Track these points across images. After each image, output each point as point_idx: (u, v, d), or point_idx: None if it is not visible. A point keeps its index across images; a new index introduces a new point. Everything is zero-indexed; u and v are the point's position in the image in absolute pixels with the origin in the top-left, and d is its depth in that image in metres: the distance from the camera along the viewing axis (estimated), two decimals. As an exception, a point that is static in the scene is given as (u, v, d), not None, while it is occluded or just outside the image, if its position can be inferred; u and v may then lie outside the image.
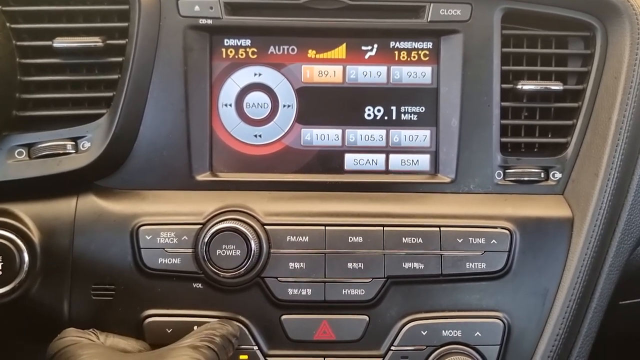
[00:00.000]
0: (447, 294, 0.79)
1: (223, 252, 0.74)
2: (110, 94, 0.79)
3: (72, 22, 0.79)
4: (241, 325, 0.77)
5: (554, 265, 0.79)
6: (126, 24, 0.78)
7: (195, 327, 0.76)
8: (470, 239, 0.77)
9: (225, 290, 0.77)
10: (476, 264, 0.77)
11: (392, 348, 0.78)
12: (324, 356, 0.78)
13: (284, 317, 0.78)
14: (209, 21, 0.79)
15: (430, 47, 0.82)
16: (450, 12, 0.80)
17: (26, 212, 0.77)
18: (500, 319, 0.78)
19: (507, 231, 0.78)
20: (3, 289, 0.73)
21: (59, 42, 0.78)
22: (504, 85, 0.82)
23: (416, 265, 0.77)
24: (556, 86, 0.82)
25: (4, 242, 0.74)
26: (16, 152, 0.78)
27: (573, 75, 0.84)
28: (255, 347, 0.77)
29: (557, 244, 0.79)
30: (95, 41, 0.78)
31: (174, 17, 0.79)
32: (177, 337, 0.74)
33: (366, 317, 0.78)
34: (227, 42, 0.82)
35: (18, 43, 0.78)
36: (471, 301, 0.79)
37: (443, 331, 0.78)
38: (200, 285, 0.77)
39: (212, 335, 0.70)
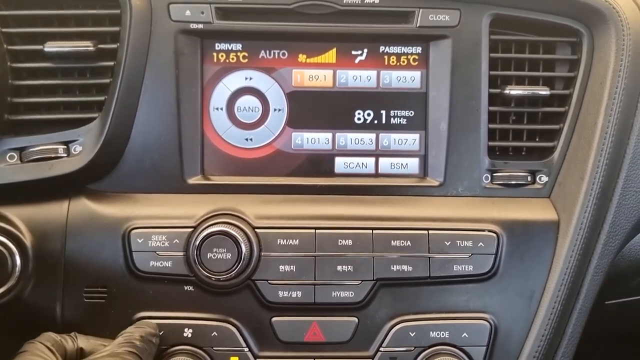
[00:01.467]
0: (435, 296, 0.79)
1: (214, 256, 0.75)
2: (102, 98, 0.79)
3: (64, 26, 0.80)
4: (232, 328, 0.77)
5: (540, 267, 0.80)
6: (117, 29, 0.78)
7: (186, 329, 0.76)
8: (458, 242, 0.78)
9: (217, 293, 0.77)
10: (463, 266, 0.78)
11: (381, 349, 0.79)
12: (314, 357, 0.79)
13: (274, 319, 0.78)
14: (200, 26, 0.80)
15: (420, 52, 0.83)
16: (439, 17, 0.81)
17: (18, 216, 0.77)
18: (487, 320, 0.79)
19: (494, 234, 0.79)
20: None
21: (50, 47, 0.78)
22: (492, 90, 0.82)
23: (405, 267, 0.78)
24: (543, 91, 0.82)
25: None
26: (8, 155, 0.78)
27: (560, 80, 0.85)
28: (246, 349, 0.78)
29: (543, 247, 0.80)
30: (86, 45, 0.78)
31: (165, 21, 0.79)
32: (169, 339, 0.75)
33: (355, 319, 0.79)
34: (218, 46, 0.82)
35: (9, 47, 0.78)
36: (458, 303, 0.79)
37: (431, 332, 0.79)
38: (191, 288, 0.77)
39: (132, 340, 0.70)
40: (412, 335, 0.79)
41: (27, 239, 0.76)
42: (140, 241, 0.76)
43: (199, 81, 0.82)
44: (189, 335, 0.77)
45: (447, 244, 0.78)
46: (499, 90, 0.83)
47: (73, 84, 0.80)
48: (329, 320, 0.79)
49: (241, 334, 0.78)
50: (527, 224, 0.80)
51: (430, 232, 0.78)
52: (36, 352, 0.68)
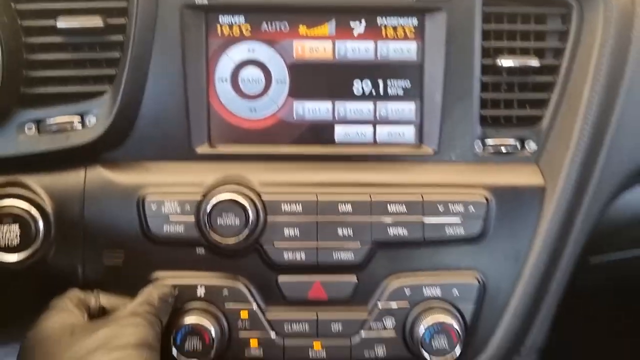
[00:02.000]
0: (428, 257, 0.84)
1: (223, 221, 0.79)
2: (112, 72, 0.82)
3: (73, 1, 0.81)
4: (242, 286, 0.82)
5: (526, 229, 0.84)
6: (125, 4, 0.81)
7: (199, 287, 0.81)
8: (450, 206, 0.82)
9: (226, 255, 0.81)
10: (455, 229, 0.82)
11: (378, 305, 0.83)
12: (317, 312, 0.83)
13: (280, 278, 0.83)
14: (205, 0, 0.82)
15: (416, 25, 0.85)
16: None
17: (39, 184, 0.81)
18: (476, 279, 0.84)
19: (484, 199, 0.83)
20: (21, 255, 0.78)
21: (62, 22, 0.80)
22: (484, 61, 0.84)
23: (400, 231, 0.82)
24: (533, 61, 0.85)
25: (20, 212, 0.78)
26: (26, 127, 0.81)
27: (550, 51, 0.87)
28: (255, 305, 0.82)
29: (529, 210, 0.84)
30: (96, 21, 0.80)
31: None
32: (183, 297, 0.81)
33: (355, 278, 0.83)
34: (222, 19, 0.84)
35: (23, 23, 0.80)
36: (450, 263, 0.84)
37: (424, 289, 0.83)
38: (202, 250, 0.81)
39: (150, 299, 0.74)
40: (406, 292, 0.83)
41: (48, 206, 0.80)
42: (153, 207, 0.80)
43: (204, 53, 0.84)
44: (202, 294, 0.81)
45: (440, 208, 0.82)
46: (491, 61, 0.85)
47: (84, 58, 0.82)
48: (330, 279, 0.83)
49: (250, 292, 0.82)
50: (515, 189, 0.84)
51: (425, 197, 0.82)
52: (63, 307, 0.74)
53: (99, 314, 0.77)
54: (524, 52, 0.86)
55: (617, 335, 1.48)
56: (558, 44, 0.87)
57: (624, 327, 1.47)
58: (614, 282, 1.20)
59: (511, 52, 0.86)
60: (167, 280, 0.81)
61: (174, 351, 0.79)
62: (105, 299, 0.78)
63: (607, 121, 0.84)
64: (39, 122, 0.82)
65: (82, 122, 0.82)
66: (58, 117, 0.82)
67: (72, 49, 0.82)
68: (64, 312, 0.73)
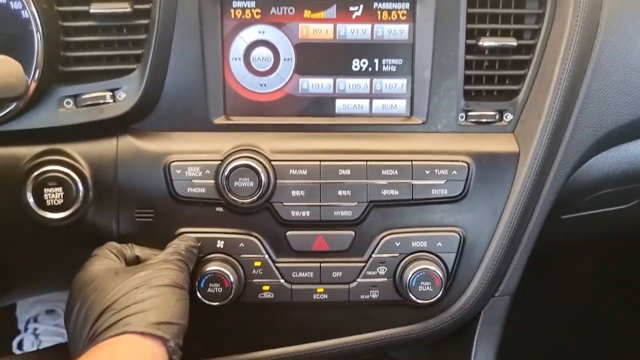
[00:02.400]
0: (416, 214, 0.91)
1: (239, 184, 0.87)
2: (139, 51, 0.89)
3: None
4: (255, 239, 0.91)
5: (502, 190, 0.91)
6: None
7: (218, 241, 0.91)
8: (436, 170, 0.90)
9: (242, 213, 0.89)
10: (440, 190, 0.90)
11: (373, 256, 0.91)
12: (320, 262, 0.91)
13: (288, 233, 0.90)
14: None
15: (408, 8, 0.91)
16: None
17: (77, 151, 0.88)
18: (457, 233, 0.92)
19: (465, 164, 0.90)
20: (65, 213, 0.88)
21: (95, 8, 0.87)
22: (468, 41, 0.91)
23: (392, 192, 0.89)
24: (512, 42, 0.92)
25: (62, 176, 0.87)
26: (65, 102, 0.89)
27: (528, 31, 0.93)
28: (266, 256, 0.90)
29: (505, 173, 0.91)
30: (124, 7, 0.88)
31: None
32: (205, 249, 0.90)
33: (353, 233, 0.91)
34: (235, 4, 0.91)
35: (59, 8, 0.88)
36: (435, 219, 0.91)
37: (412, 242, 0.91)
38: (221, 209, 0.89)
39: (179, 250, 0.83)
40: (397, 244, 0.91)
41: (86, 171, 0.88)
42: (178, 172, 0.88)
43: (220, 35, 0.91)
44: (221, 246, 0.89)
45: (427, 173, 0.89)
46: (474, 42, 0.92)
47: (113, 40, 0.90)
48: (331, 233, 0.91)
49: (262, 245, 0.90)
50: (493, 155, 0.92)
51: (414, 162, 0.89)
52: (105, 255, 0.84)
53: (133, 263, 0.88)
54: (505, 33, 0.94)
55: (579, 282, 1.61)
56: (534, 25, 0.94)
57: (586, 275, 1.60)
58: (583, 237, 1.31)
59: (493, 33, 0.93)
60: (191, 234, 0.91)
61: (198, 294, 0.90)
62: (138, 250, 0.89)
63: (574, 96, 0.93)
64: (75, 97, 0.90)
65: (114, 97, 0.90)
66: (92, 92, 0.90)
67: (103, 31, 0.90)
68: (106, 259, 0.83)
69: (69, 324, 0.79)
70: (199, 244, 0.91)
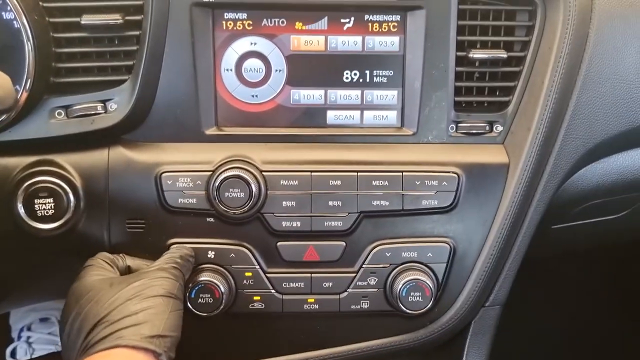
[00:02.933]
0: (407, 225, 0.91)
1: (230, 194, 0.87)
2: (130, 63, 0.89)
3: (94, 0, 0.89)
4: (246, 250, 0.91)
5: (491, 201, 0.92)
6: (141, 2, 0.88)
7: (209, 252, 0.91)
8: (426, 181, 0.90)
9: (233, 223, 0.89)
10: (430, 201, 0.91)
11: (363, 266, 0.92)
12: (311, 273, 0.92)
13: (279, 243, 0.91)
14: None
15: (399, 20, 0.92)
16: None
17: (68, 162, 0.88)
18: (447, 243, 0.92)
19: (455, 175, 0.91)
20: (56, 224, 0.88)
21: (86, 19, 0.88)
22: (459, 53, 0.92)
23: (383, 202, 0.90)
24: (502, 54, 0.92)
25: (53, 186, 0.87)
26: (56, 112, 0.89)
27: (518, 43, 0.94)
28: (257, 266, 0.91)
29: (495, 184, 0.92)
30: (116, 18, 0.88)
31: None
32: (196, 259, 0.90)
33: (343, 243, 0.92)
34: (226, 15, 0.91)
35: (50, 19, 0.88)
36: (425, 230, 0.92)
37: (403, 253, 0.91)
38: (212, 220, 0.89)
39: (174, 258, 0.84)
40: (387, 255, 0.91)
41: (77, 181, 0.88)
42: (169, 182, 0.88)
43: (211, 46, 0.91)
44: (212, 256, 0.90)
45: (417, 183, 0.90)
46: (464, 53, 0.92)
47: (105, 51, 0.90)
48: (322, 244, 0.91)
49: (253, 255, 0.91)
50: (483, 166, 0.92)
51: (404, 173, 0.90)
52: (99, 265, 0.84)
53: (125, 273, 0.88)
54: (495, 45, 0.94)
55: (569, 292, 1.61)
56: (524, 37, 0.94)
57: (577, 284, 1.60)
58: (574, 246, 1.31)
59: (483, 45, 0.94)
60: (182, 244, 0.91)
61: (189, 305, 0.90)
62: (129, 260, 0.89)
63: (564, 108, 0.94)
64: (67, 108, 0.90)
65: (105, 108, 0.90)
66: (83, 103, 0.90)
67: (95, 42, 0.90)
68: (101, 269, 0.84)
69: (64, 334, 0.79)
70: (193, 254, 0.91)
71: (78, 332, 0.74)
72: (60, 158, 0.90)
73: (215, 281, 0.90)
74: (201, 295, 0.90)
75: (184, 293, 0.85)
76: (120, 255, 0.89)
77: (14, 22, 0.86)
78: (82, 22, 0.89)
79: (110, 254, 0.89)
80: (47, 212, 0.89)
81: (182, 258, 0.86)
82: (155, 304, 0.77)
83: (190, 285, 0.90)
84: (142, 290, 0.78)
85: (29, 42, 0.85)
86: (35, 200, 0.88)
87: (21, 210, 0.88)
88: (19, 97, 0.84)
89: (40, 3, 0.88)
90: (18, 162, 0.90)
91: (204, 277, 0.89)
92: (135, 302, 0.75)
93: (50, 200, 0.88)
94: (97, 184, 0.90)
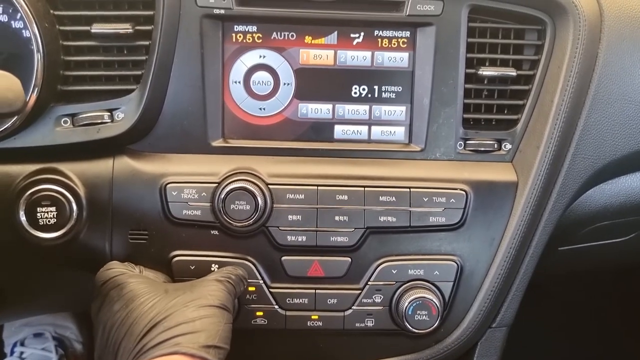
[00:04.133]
0: (414, 242, 0.91)
1: (235, 207, 0.87)
2: (139, 72, 0.89)
3: (104, 9, 0.89)
4: (250, 264, 0.90)
5: (500, 219, 0.91)
6: (151, 12, 0.88)
7: (212, 265, 0.89)
8: (434, 198, 0.90)
9: (237, 236, 0.89)
10: (438, 218, 0.90)
11: (369, 283, 0.91)
12: (315, 289, 0.91)
13: (283, 258, 0.90)
14: (222, 11, 0.89)
15: (408, 36, 0.93)
16: (425, 7, 0.90)
17: (72, 171, 0.87)
18: (454, 262, 0.91)
19: (463, 192, 0.91)
20: (57, 233, 0.87)
21: (96, 28, 0.88)
22: (468, 70, 0.92)
23: (390, 218, 0.90)
24: (511, 72, 0.93)
25: (56, 195, 0.86)
26: (62, 121, 0.88)
27: (527, 62, 0.94)
28: (261, 281, 0.90)
29: (503, 203, 0.92)
30: (126, 27, 0.88)
31: (192, 6, 0.88)
32: (199, 272, 0.89)
33: (349, 259, 0.91)
34: (236, 28, 0.91)
35: (60, 27, 0.88)
36: (432, 247, 0.91)
37: (409, 270, 0.90)
38: (216, 232, 0.89)
39: (230, 274, 0.84)
40: (394, 272, 0.91)
41: (81, 190, 0.87)
42: (174, 193, 0.88)
43: (220, 58, 0.92)
44: (216, 270, 0.88)
45: (425, 200, 0.90)
46: (474, 71, 0.93)
47: (113, 60, 0.90)
48: (327, 259, 0.90)
49: (257, 269, 0.90)
50: (491, 184, 0.92)
51: (412, 190, 0.90)
52: (133, 274, 0.82)
53: None
54: (504, 63, 0.95)
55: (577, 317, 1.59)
56: (534, 56, 0.95)
57: (583, 307, 1.58)
58: (579, 268, 1.30)
59: (492, 63, 0.95)
60: (185, 258, 0.90)
61: None
62: (148, 273, 0.88)
63: (573, 127, 0.94)
64: (73, 116, 0.90)
65: (111, 117, 0.90)
66: (90, 112, 0.89)
67: (104, 51, 0.90)
68: (140, 277, 0.82)
69: (102, 336, 0.76)
70: (193, 266, 0.90)
71: (128, 335, 0.73)
72: (64, 166, 0.89)
73: (217, 295, 0.88)
74: (203, 309, 0.87)
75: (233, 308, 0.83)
76: (128, 263, 0.88)
77: (24, 30, 0.86)
78: (92, 30, 0.89)
79: (119, 262, 0.88)
80: (49, 221, 0.87)
81: (237, 276, 0.85)
82: (211, 313, 0.75)
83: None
84: (198, 299, 0.76)
85: (38, 52, 0.85)
86: (38, 209, 0.87)
87: (23, 218, 0.87)
88: (27, 100, 0.83)
89: (51, 11, 0.89)
90: (21, 169, 0.89)
91: (207, 290, 0.87)
92: (192, 310, 0.74)
93: (53, 209, 0.87)
94: (100, 194, 0.89)
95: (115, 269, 0.83)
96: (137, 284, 0.79)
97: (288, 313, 0.92)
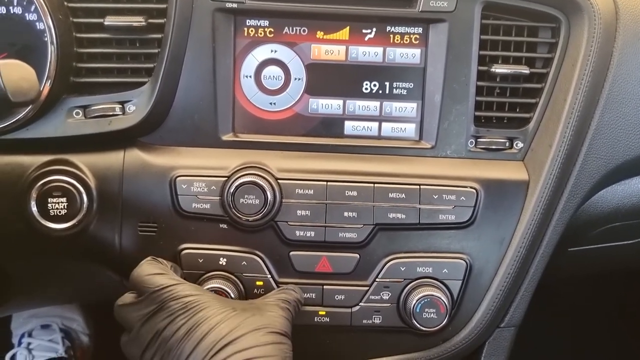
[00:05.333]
0: (423, 239, 0.90)
1: (245, 201, 0.87)
2: (151, 65, 0.89)
3: (117, 2, 0.90)
4: (258, 258, 0.90)
5: (510, 218, 0.91)
6: (164, 6, 0.88)
7: (221, 259, 0.89)
8: (444, 195, 0.89)
9: (246, 230, 0.88)
10: (447, 216, 0.90)
11: (377, 280, 0.91)
12: (323, 284, 0.91)
13: (292, 253, 0.90)
14: (234, 5, 0.89)
15: (420, 33, 0.92)
16: (438, 3, 0.90)
17: (83, 162, 0.88)
18: (464, 260, 0.91)
19: (474, 190, 0.90)
20: (68, 224, 0.87)
21: (110, 20, 0.88)
22: (480, 68, 0.91)
23: (399, 215, 0.89)
24: (524, 70, 0.92)
25: (67, 186, 0.87)
26: (74, 112, 0.89)
27: (540, 60, 0.93)
28: (269, 276, 0.90)
29: (514, 202, 0.91)
30: (139, 20, 0.89)
31: (205, 0, 0.89)
32: (207, 265, 0.89)
33: (357, 255, 0.90)
34: (248, 22, 0.91)
35: (74, 19, 0.89)
36: (441, 245, 0.91)
37: (417, 268, 0.90)
38: (225, 226, 0.89)
39: (288, 299, 0.82)
40: (402, 269, 0.90)
41: (92, 182, 0.88)
42: (184, 187, 0.88)
43: (232, 52, 0.91)
44: (224, 263, 0.89)
45: (435, 197, 0.89)
46: (486, 68, 0.92)
47: (126, 52, 0.91)
48: (335, 255, 0.90)
49: (265, 264, 0.90)
50: (502, 182, 0.91)
51: (422, 187, 0.89)
52: (180, 280, 0.79)
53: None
54: (517, 60, 0.94)
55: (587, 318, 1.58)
56: (547, 54, 0.94)
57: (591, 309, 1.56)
58: (590, 270, 1.29)
59: (505, 60, 0.94)
60: (194, 250, 0.90)
61: None
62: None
63: (586, 126, 0.93)
64: (85, 108, 0.90)
65: (123, 110, 0.90)
66: (102, 104, 0.90)
67: (116, 43, 0.91)
68: (199, 289, 0.79)
69: (162, 347, 0.73)
70: (201, 260, 0.90)
71: (195, 349, 0.71)
72: (75, 158, 0.90)
73: (225, 288, 0.88)
74: (211, 302, 0.88)
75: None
76: (170, 263, 0.86)
77: (38, 22, 0.86)
78: (106, 23, 0.89)
79: (118, 260, 0.88)
80: (59, 212, 0.88)
81: (296, 301, 0.85)
82: (280, 340, 0.74)
83: (200, 292, 0.88)
84: (268, 324, 0.74)
85: (52, 44, 0.85)
86: (49, 199, 0.87)
87: (34, 208, 0.87)
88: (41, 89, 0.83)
89: (65, 3, 0.89)
90: (33, 160, 0.89)
91: (215, 284, 0.88)
92: (263, 334, 0.73)
93: (64, 199, 0.88)
94: (111, 186, 0.89)
95: (165, 275, 0.79)
96: (201, 296, 0.76)
97: (295, 308, 0.91)
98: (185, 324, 0.73)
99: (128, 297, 0.81)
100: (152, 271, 0.79)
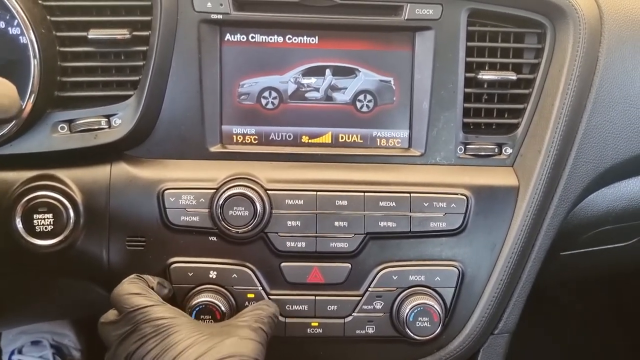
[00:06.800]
0: (414, 247, 0.90)
1: (234, 213, 0.86)
2: (136, 78, 0.89)
3: (101, 15, 0.89)
4: (249, 270, 0.89)
5: (501, 224, 0.91)
6: (149, 18, 0.88)
7: (211, 272, 0.88)
8: (434, 203, 0.89)
9: (236, 242, 0.88)
10: (438, 223, 0.89)
11: (369, 289, 0.90)
12: (315, 295, 0.90)
13: (283, 264, 0.89)
14: (220, 16, 0.89)
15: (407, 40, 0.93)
16: (424, 11, 0.90)
17: (69, 177, 0.87)
18: (456, 267, 0.91)
19: (464, 197, 0.90)
20: (54, 240, 0.86)
21: (93, 34, 0.87)
22: (467, 74, 0.92)
23: (390, 224, 0.89)
24: (511, 76, 0.92)
25: (53, 201, 0.85)
26: (59, 127, 0.88)
27: (527, 66, 0.94)
28: (260, 288, 0.89)
29: (504, 208, 0.91)
30: (123, 33, 0.88)
31: (190, 12, 0.88)
32: (197, 279, 0.88)
33: (349, 265, 0.90)
34: (234, 33, 0.91)
35: (57, 33, 0.87)
36: (433, 253, 0.90)
37: (410, 276, 0.90)
38: (215, 239, 0.88)
39: (262, 316, 0.80)
40: (394, 278, 0.90)
41: (78, 197, 0.87)
42: (172, 200, 0.87)
43: (218, 63, 0.91)
44: (214, 277, 0.88)
45: (425, 205, 0.89)
46: (473, 75, 0.92)
47: (110, 66, 0.90)
48: (327, 265, 0.90)
49: (256, 276, 0.89)
50: (492, 189, 0.91)
51: (412, 194, 0.89)
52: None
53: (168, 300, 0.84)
54: (504, 66, 0.94)
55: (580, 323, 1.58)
56: (534, 60, 0.94)
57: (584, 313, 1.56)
58: (582, 273, 1.29)
59: (492, 66, 0.94)
60: (184, 264, 0.89)
61: None
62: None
63: (574, 131, 0.93)
64: (70, 123, 0.89)
65: (109, 123, 0.89)
66: (87, 118, 0.89)
67: (101, 57, 0.90)
68: (173, 311, 0.77)
69: None
70: (191, 273, 0.89)
71: None
72: (61, 173, 0.88)
73: (216, 302, 0.87)
74: (202, 316, 0.87)
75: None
76: (156, 278, 0.86)
77: (21, 37, 0.86)
78: (89, 36, 0.88)
79: (105, 275, 0.87)
80: (45, 228, 0.87)
81: (270, 317, 0.82)
82: None
83: (190, 306, 0.88)
84: (234, 352, 0.71)
85: (35, 58, 0.84)
86: (34, 216, 0.86)
87: (19, 225, 0.86)
88: (23, 106, 0.83)
89: (48, 17, 0.88)
90: (18, 176, 0.88)
91: (205, 297, 0.87)
92: None
93: (50, 215, 0.87)
94: (97, 200, 0.88)
95: (143, 295, 0.78)
96: (174, 319, 0.75)
97: (287, 320, 0.91)
98: (155, 348, 0.72)
99: (111, 315, 0.79)
100: (131, 290, 0.78)
